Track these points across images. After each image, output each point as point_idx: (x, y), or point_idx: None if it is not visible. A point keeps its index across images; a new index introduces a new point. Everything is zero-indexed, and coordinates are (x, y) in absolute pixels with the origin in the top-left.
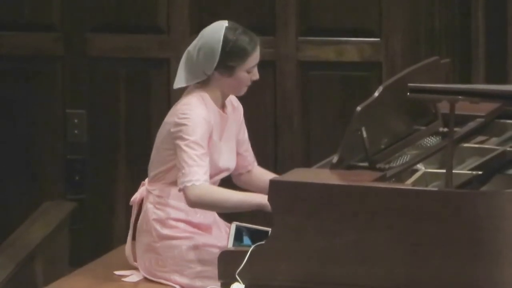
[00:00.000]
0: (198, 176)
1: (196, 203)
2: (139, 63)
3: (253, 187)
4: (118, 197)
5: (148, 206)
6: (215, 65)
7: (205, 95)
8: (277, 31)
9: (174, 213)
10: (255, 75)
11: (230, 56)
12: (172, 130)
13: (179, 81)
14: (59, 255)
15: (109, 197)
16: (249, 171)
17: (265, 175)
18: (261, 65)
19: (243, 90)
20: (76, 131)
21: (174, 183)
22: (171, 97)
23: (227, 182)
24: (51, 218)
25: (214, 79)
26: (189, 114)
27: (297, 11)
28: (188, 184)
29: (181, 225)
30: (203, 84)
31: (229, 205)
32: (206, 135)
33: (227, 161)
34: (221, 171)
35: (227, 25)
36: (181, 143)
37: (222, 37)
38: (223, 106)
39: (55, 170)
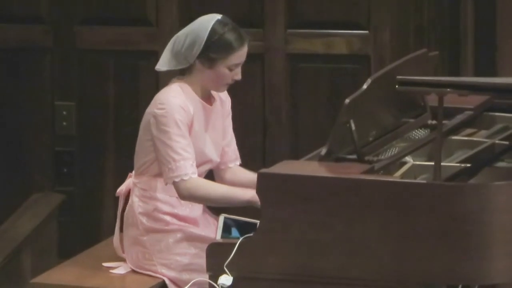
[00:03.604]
0: (185, 170)
1: (188, 197)
2: (128, 56)
3: (233, 184)
4: (106, 189)
5: (134, 199)
6: (197, 53)
7: (185, 86)
8: (265, 24)
9: (160, 206)
10: (237, 75)
11: (213, 47)
12: (151, 121)
13: (162, 64)
14: (47, 247)
15: (98, 189)
16: (229, 168)
17: (244, 173)
18: (250, 58)
19: (222, 87)
20: (64, 123)
21: (159, 175)
22: (160, 90)
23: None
24: (40, 210)
25: (195, 70)
26: (166, 104)
27: (286, 4)
28: (177, 180)
29: (168, 218)
30: (185, 75)
31: (220, 199)
32: (185, 125)
33: (212, 152)
34: (206, 161)
35: (219, 18)
36: (162, 136)
37: (210, 27)
38: (208, 98)
39: (43, 162)
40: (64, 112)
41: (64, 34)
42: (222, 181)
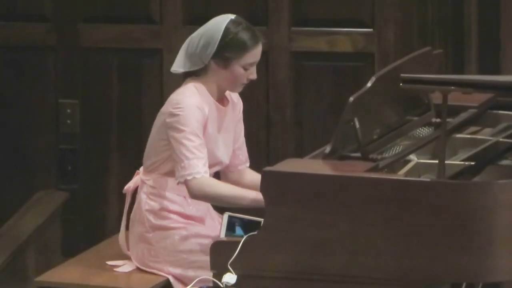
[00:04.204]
0: (198, 168)
1: (199, 196)
2: (132, 54)
3: (240, 186)
4: (110, 187)
5: (142, 196)
6: (212, 53)
7: (200, 86)
8: (269, 22)
9: (167, 204)
10: (253, 74)
11: (228, 47)
12: (167, 120)
13: (177, 66)
14: (51, 245)
15: (102, 187)
16: (239, 170)
17: (254, 176)
18: None
19: (238, 87)
20: (68, 121)
21: (169, 174)
22: (164, 88)
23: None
24: (44, 208)
25: (210, 70)
26: (183, 104)
27: (290, 2)
28: (189, 178)
29: (174, 216)
30: (200, 75)
31: (231, 199)
32: (201, 124)
33: (223, 155)
34: (217, 163)
35: (232, 18)
36: (177, 135)
37: (224, 27)
38: (221, 100)
39: (47, 160)
40: (68, 110)
41: (67, 32)
42: (229, 182)
